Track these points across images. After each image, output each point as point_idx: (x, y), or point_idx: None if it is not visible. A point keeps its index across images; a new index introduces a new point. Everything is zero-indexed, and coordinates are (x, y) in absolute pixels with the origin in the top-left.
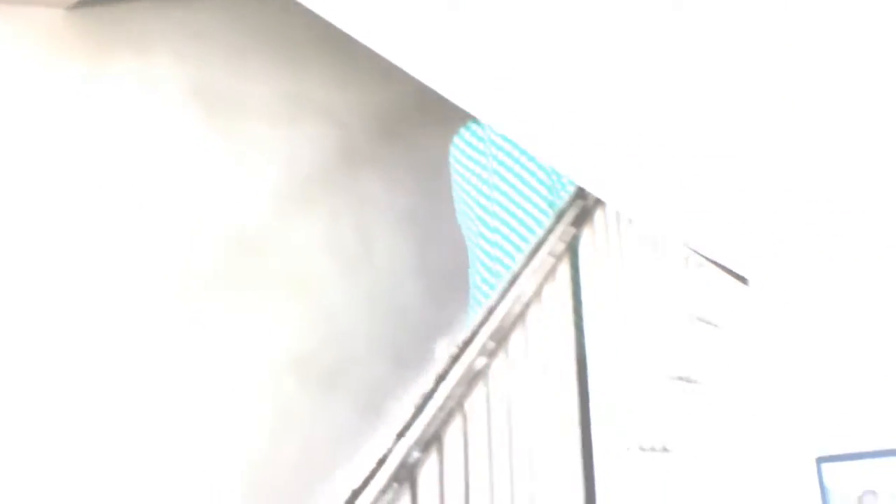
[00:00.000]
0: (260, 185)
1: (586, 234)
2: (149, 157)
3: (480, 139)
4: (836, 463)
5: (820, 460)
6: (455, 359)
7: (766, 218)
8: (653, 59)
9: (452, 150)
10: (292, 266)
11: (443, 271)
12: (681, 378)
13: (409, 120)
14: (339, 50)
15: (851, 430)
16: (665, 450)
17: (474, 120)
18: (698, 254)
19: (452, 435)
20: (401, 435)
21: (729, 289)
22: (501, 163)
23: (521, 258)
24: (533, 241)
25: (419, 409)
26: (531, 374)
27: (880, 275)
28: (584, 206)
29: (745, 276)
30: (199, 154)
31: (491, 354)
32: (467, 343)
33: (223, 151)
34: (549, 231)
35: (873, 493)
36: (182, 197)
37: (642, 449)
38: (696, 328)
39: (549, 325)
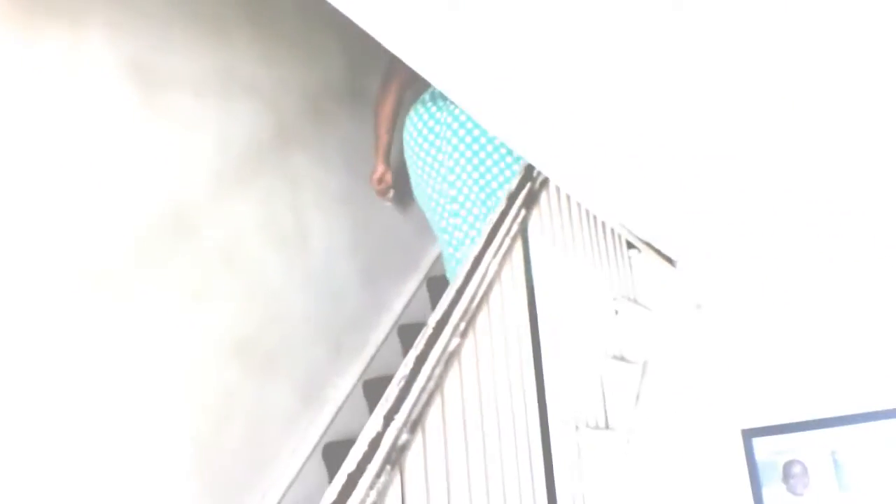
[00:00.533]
0: (194, 162)
1: (534, 216)
2: (82, 131)
3: (434, 114)
4: (763, 437)
5: (747, 433)
6: (432, 339)
7: (693, 201)
8: (608, 49)
9: (407, 125)
10: (229, 246)
11: (376, 253)
12: (616, 357)
13: (338, 100)
14: (264, 26)
15: (776, 404)
16: (608, 427)
17: (428, 95)
18: (632, 235)
19: (433, 417)
20: (389, 417)
21: (658, 270)
22: (456, 135)
23: (480, 239)
24: (490, 219)
25: (404, 390)
26: (496, 355)
27: (801, 254)
28: (531, 189)
29: (673, 258)
30: (133, 129)
31: (463, 335)
32: (442, 323)
33: (158, 127)
34: (504, 213)
35: (800, 463)
36: (116, 173)
37: (588, 427)
38: (629, 309)
39: (507, 306)
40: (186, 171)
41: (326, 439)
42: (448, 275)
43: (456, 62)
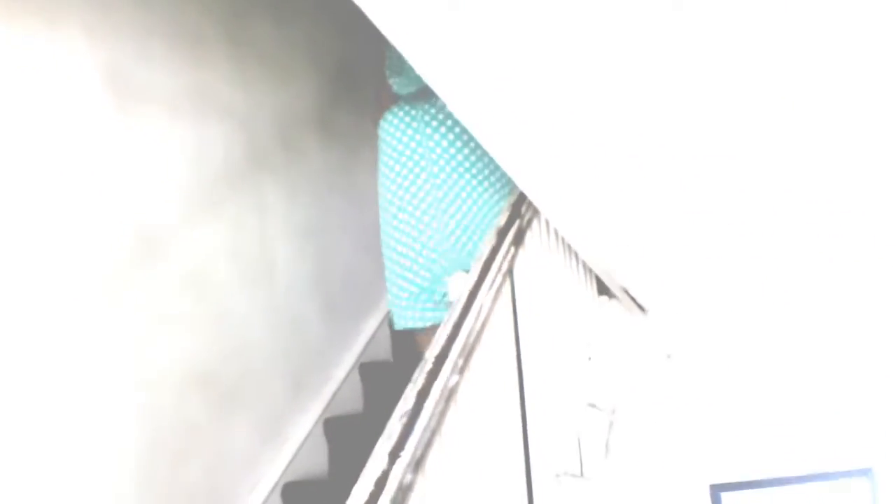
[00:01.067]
0: (167, 181)
1: (520, 256)
2: (53, 142)
3: (412, 120)
4: (732, 492)
5: (715, 488)
6: (433, 375)
7: (666, 250)
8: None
9: (383, 131)
10: (196, 271)
11: (338, 289)
12: (590, 405)
13: (308, 130)
14: (243, 47)
15: (745, 460)
16: (583, 476)
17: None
18: (609, 278)
19: (434, 457)
20: (395, 455)
21: (630, 318)
22: (439, 145)
23: (473, 273)
24: (481, 253)
25: (408, 427)
26: (490, 394)
27: (774, 309)
28: (519, 226)
29: (645, 306)
30: (107, 143)
31: (461, 371)
32: (441, 358)
33: (131, 140)
34: (496, 249)
35: None
36: (86, 184)
37: (567, 475)
38: (601, 355)
39: (498, 345)
40: (158, 190)
41: (286, 479)
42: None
43: (456, 67)
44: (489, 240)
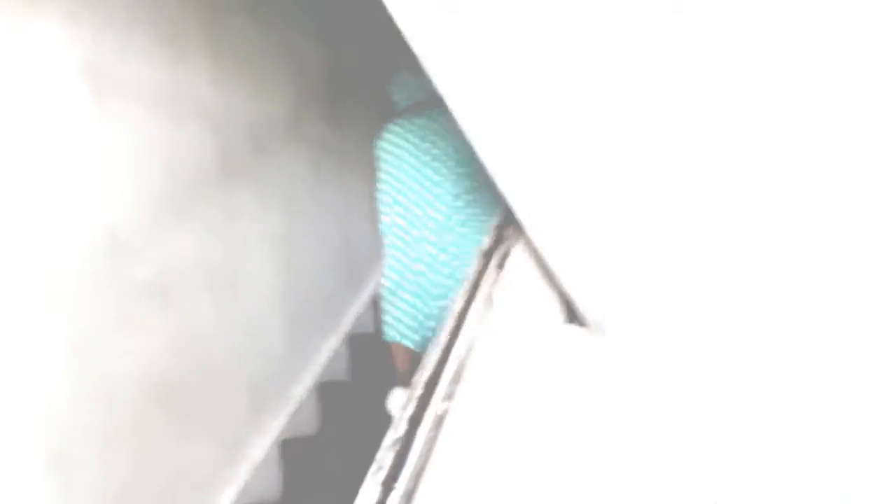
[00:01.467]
0: (140, 182)
1: (501, 280)
2: (26, 134)
3: (407, 135)
4: None
5: None
6: (424, 400)
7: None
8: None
9: (382, 146)
10: (163, 280)
11: (302, 305)
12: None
13: (280, 139)
14: (221, 48)
15: (732, 485)
16: None
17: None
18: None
19: (424, 490)
20: (388, 485)
21: (596, 346)
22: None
23: (460, 296)
24: (468, 275)
25: (401, 455)
26: (480, 423)
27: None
28: (504, 250)
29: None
30: (82, 138)
31: (451, 398)
32: (432, 384)
33: (107, 137)
34: (481, 272)
35: None
36: (58, 179)
37: None
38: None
39: (484, 371)
40: (130, 190)
41: (243, 500)
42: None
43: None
44: (475, 262)
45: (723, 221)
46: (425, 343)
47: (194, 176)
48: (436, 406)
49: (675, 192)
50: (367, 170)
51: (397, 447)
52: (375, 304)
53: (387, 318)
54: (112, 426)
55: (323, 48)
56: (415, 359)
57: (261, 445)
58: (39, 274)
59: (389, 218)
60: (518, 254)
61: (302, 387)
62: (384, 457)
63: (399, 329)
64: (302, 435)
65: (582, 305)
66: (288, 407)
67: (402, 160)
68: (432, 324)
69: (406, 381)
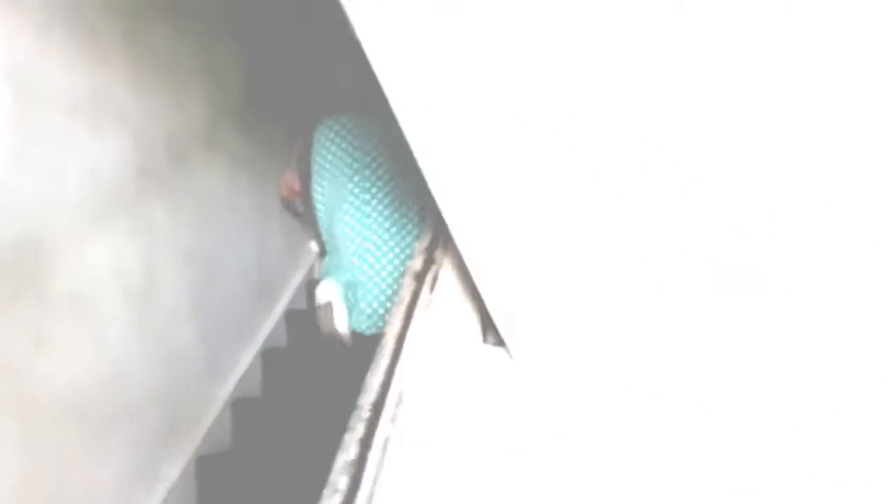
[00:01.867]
0: (58, 191)
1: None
2: None
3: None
4: None
5: None
6: (373, 424)
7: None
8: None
9: (322, 140)
10: (80, 291)
11: (215, 319)
12: None
13: (196, 148)
14: (139, 51)
15: None
16: None
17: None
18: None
19: None
20: None
21: (511, 367)
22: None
23: (396, 318)
24: (402, 299)
25: (355, 480)
26: (423, 448)
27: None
28: (435, 272)
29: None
30: (2, 142)
31: (394, 420)
32: (378, 406)
33: (26, 143)
34: (416, 294)
35: None
36: None
37: None
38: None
39: (422, 393)
40: (48, 199)
41: None
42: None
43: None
44: (408, 284)
45: (650, 244)
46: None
47: (114, 185)
48: (384, 429)
49: (605, 209)
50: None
51: (352, 470)
52: (288, 318)
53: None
54: (31, 444)
55: (240, 55)
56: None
57: (176, 464)
58: None
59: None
60: (446, 275)
61: (217, 403)
62: (339, 480)
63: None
64: (216, 451)
65: (502, 324)
66: (203, 423)
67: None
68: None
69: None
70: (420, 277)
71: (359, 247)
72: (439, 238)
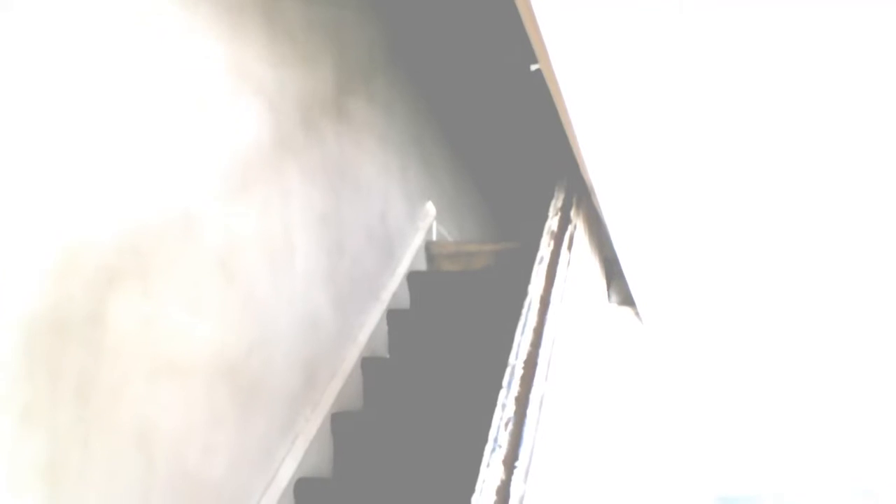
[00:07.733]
0: (204, 163)
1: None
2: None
3: None
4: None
5: (720, 500)
6: (527, 381)
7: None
8: None
9: None
10: (228, 256)
11: (346, 281)
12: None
13: (326, 113)
14: (273, 19)
15: (751, 472)
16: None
17: None
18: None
19: (535, 469)
20: (510, 465)
21: (631, 328)
22: None
23: (540, 278)
24: (543, 258)
25: (515, 435)
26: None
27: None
28: (571, 232)
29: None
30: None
31: (547, 379)
32: (531, 365)
33: (174, 119)
34: (556, 253)
35: None
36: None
37: None
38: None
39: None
40: (193, 169)
41: (299, 475)
42: None
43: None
44: (546, 243)
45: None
46: None
47: (253, 152)
48: (539, 387)
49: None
50: (401, 146)
51: (510, 427)
52: (410, 280)
53: None
54: (186, 403)
55: (365, 27)
56: None
57: (314, 420)
58: (112, 249)
59: None
60: (579, 235)
61: (349, 362)
62: (500, 436)
63: None
64: (350, 409)
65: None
66: (336, 382)
67: None
68: None
69: None
70: (558, 237)
71: None
72: (572, 198)
